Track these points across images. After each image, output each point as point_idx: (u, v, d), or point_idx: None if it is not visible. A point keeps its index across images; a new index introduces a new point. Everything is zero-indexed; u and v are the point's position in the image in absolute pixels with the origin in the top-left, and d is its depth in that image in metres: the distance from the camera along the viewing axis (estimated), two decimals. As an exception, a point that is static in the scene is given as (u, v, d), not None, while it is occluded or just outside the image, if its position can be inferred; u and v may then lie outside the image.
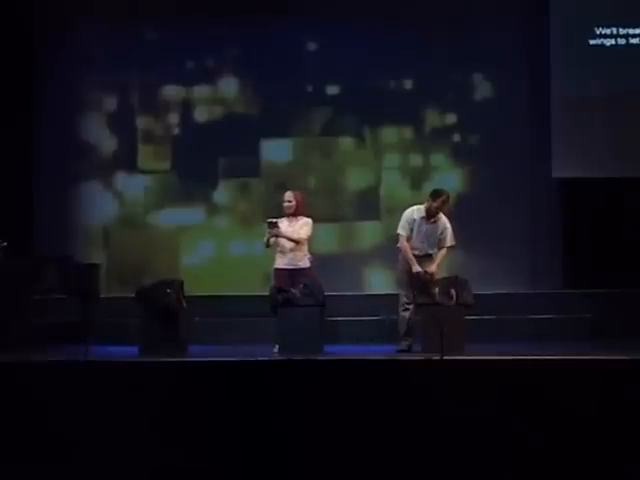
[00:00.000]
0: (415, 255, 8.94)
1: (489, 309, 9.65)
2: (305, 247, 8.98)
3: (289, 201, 9.01)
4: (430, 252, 9.00)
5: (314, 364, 6.75)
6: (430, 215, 8.95)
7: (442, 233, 8.99)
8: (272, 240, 8.86)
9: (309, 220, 9.00)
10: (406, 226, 8.99)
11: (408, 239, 8.96)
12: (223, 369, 6.50)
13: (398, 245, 9.07)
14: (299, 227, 8.96)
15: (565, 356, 6.95)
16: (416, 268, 8.86)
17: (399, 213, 9.26)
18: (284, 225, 8.90)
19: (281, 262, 8.95)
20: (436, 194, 9.01)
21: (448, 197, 9.02)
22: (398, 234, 9.04)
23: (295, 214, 8.98)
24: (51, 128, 11.29)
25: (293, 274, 8.89)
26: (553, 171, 10.78)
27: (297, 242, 8.88)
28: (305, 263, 8.95)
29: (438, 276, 9.01)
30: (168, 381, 6.34)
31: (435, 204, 8.94)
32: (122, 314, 9.58)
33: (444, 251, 9.02)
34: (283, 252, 8.95)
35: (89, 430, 6.09)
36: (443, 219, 9.03)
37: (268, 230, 8.82)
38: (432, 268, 8.90)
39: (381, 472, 5.98)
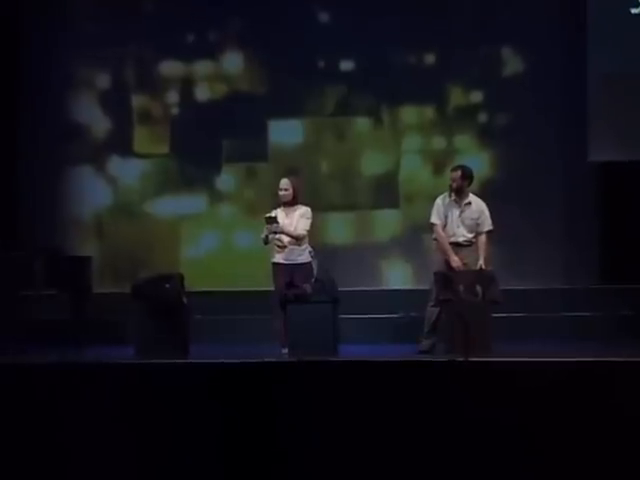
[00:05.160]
0: (453, 243, 8.98)
1: (518, 306, 9.68)
2: (306, 240, 8.97)
3: (285, 189, 8.97)
4: (469, 237, 9.02)
5: (327, 366, 6.77)
6: (454, 193, 8.98)
7: (479, 217, 9.04)
8: (271, 236, 8.86)
9: (308, 210, 8.98)
10: (439, 213, 9.00)
11: (444, 227, 8.99)
12: (227, 372, 6.53)
13: (434, 237, 9.08)
14: (297, 219, 8.93)
15: (602, 357, 6.95)
16: (454, 260, 8.88)
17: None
18: (281, 217, 8.88)
19: (280, 257, 8.95)
20: (452, 169, 9.14)
21: (464, 172, 9.03)
22: (432, 224, 9.05)
23: (292, 203, 8.97)
24: (38, 108, 11.33)
25: (292, 269, 8.88)
26: (589, 154, 10.77)
27: (297, 238, 8.90)
28: (305, 257, 8.93)
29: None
30: (167, 384, 6.37)
31: (450, 180, 9.02)
32: (116, 311, 9.63)
33: (484, 238, 9.04)
34: (281, 246, 8.95)
35: (80, 435, 6.14)
36: (478, 201, 9.09)
37: (267, 226, 8.81)
38: (482, 265, 8.89)
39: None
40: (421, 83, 11.24)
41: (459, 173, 9.03)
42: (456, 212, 9.03)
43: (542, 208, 11.01)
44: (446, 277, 8.87)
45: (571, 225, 11.06)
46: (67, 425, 6.22)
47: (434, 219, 9.06)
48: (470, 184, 9.09)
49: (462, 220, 9.03)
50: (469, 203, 9.05)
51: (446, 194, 9.10)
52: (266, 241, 8.91)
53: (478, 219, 9.05)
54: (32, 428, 6.21)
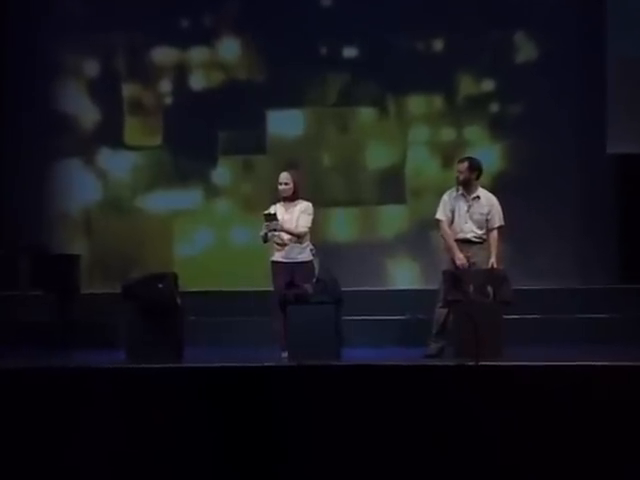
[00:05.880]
0: (460, 239, 8.95)
1: (531, 306, 9.68)
2: (307, 237, 8.97)
3: (285, 183, 8.97)
4: (478, 233, 8.99)
5: (329, 370, 6.77)
6: (462, 187, 8.96)
7: (489, 212, 9.01)
8: (270, 234, 8.85)
9: (309, 205, 8.97)
10: (445, 209, 8.98)
11: (450, 223, 8.98)
12: (224, 376, 6.53)
13: (441, 233, 9.07)
14: (297, 215, 8.92)
15: (620, 361, 6.95)
16: (458, 257, 8.87)
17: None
18: (281, 212, 8.88)
19: (279, 255, 8.95)
20: (459, 161, 9.11)
21: (472, 164, 9.01)
22: (437, 220, 9.03)
23: (292, 198, 8.97)
24: (23, 97, 11.31)
25: (293, 268, 8.87)
26: (608, 146, 10.74)
27: (298, 236, 8.89)
28: (306, 256, 8.92)
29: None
30: (160, 390, 6.37)
31: (456, 172, 8.99)
32: (106, 313, 9.62)
33: (495, 235, 9.01)
34: (281, 244, 8.94)
35: (68, 444, 6.15)
36: (488, 195, 9.06)
37: (266, 224, 8.81)
38: (494, 263, 8.88)
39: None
40: (428, 71, 11.21)
41: (466, 165, 9.00)
42: (464, 207, 9.00)
43: (557, 203, 10.99)
44: (455, 276, 8.86)
45: (588, 221, 11.04)
46: (54, 433, 6.22)
47: (439, 215, 9.04)
48: (479, 177, 9.06)
49: (470, 215, 9.00)
50: (478, 197, 9.02)
51: (454, 189, 9.08)
52: (265, 239, 8.91)
53: (488, 214, 9.02)
54: (19, 435, 6.22)
